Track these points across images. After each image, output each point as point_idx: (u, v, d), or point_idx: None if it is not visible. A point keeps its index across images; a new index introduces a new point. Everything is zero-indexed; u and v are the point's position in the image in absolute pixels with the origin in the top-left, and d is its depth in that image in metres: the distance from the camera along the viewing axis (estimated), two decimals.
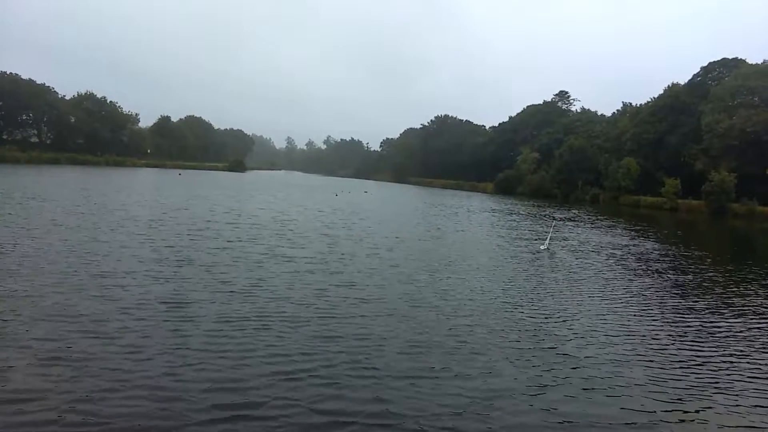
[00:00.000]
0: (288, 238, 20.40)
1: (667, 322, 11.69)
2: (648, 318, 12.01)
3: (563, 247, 23.88)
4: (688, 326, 11.47)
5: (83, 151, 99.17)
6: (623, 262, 20.27)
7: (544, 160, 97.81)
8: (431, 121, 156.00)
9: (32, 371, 6.99)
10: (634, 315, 12.19)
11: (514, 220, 37.98)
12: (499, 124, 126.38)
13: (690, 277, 17.94)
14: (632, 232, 33.85)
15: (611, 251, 23.38)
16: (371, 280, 13.92)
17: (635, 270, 18.61)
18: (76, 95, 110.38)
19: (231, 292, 11.60)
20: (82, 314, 9.32)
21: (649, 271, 18.52)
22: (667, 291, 15.25)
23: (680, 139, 76.31)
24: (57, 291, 10.68)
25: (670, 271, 18.80)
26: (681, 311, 12.87)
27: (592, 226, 37.10)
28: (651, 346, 9.84)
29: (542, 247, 22.95)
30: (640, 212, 64.42)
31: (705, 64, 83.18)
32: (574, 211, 52.56)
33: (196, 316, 9.71)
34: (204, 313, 9.92)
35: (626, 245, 26.29)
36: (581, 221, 40.70)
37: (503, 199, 74.35)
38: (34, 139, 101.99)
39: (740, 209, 62.18)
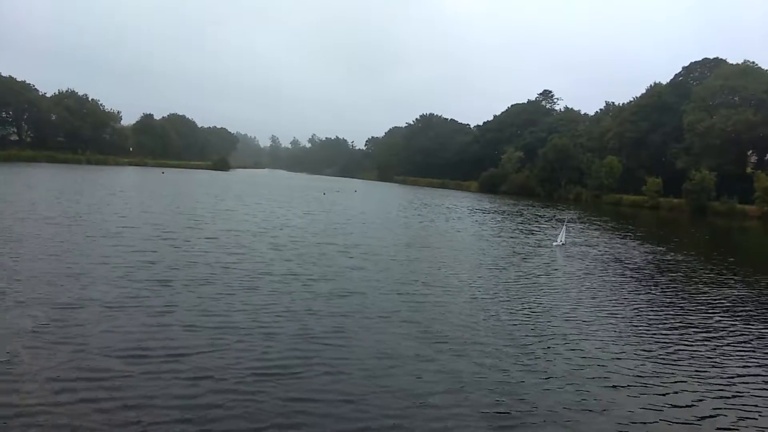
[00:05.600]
0: (289, 252, 17.91)
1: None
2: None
3: (582, 253, 22.84)
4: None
5: (64, 149, 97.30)
6: (649, 270, 19.66)
7: (528, 158, 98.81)
8: (416, 119, 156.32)
9: None
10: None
11: (522, 222, 38.64)
12: (484, 122, 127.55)
13: (736, 291, 16.58)
14: (633, 234, 35.06)
15: (627, 258, 22.15)
16: (389, 304, 11.88)
17: (667, 282, 17.56)
18: (57, 93, 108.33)
19: (216, 328, 9.41)
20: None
21: (685, 281, 17.84)
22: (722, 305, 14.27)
23: (662, 138, 77.76)
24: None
25: (706, 284, 17.52)
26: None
27: (594, 227, 38.22)
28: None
29: (555, 243, 24.14)
30: (623, 210, 65.67)
31: (687, 63, 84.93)
32: (572, 212, 52.56)
33: (177, 372, 7.45)
34: (187, 365, 7.76)
35: (636, 248, 26.80)
36: (582, 222, 41.88)
37: (496, 199, 74.91)
38: (14, 137, 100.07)
39: (720, 207, 63.54)
